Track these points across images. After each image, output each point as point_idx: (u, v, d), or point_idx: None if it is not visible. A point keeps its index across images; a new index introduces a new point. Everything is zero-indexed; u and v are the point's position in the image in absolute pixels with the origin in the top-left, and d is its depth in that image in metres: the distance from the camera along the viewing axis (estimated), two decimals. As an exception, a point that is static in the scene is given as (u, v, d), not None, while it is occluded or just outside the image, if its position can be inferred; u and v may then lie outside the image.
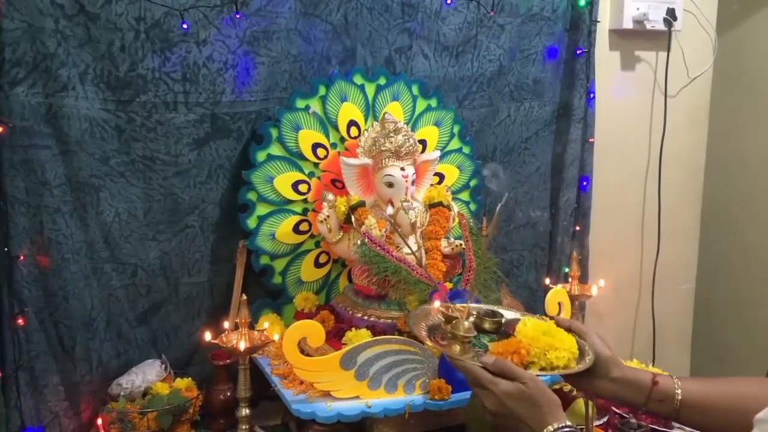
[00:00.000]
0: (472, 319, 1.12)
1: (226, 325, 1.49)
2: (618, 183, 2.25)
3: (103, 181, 1.53)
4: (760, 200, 2.41)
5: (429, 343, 1.10)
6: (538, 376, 1.00)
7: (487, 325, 1.13)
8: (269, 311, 1.68)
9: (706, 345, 2.50)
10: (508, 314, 1.19)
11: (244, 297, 1.42)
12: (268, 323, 1.53)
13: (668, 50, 2.18)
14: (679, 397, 1.04)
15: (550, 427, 0.93)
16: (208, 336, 1.42)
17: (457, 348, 1.05)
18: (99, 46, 1.47)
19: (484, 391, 0.97)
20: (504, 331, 1.14)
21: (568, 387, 1.57)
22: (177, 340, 1.67)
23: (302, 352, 1.38)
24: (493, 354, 1.02)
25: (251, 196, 1.62)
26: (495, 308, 1.20)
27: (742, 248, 2.47)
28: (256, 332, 1.45)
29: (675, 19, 2.13)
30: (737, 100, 2.38)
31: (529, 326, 1.07)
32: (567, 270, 2.10)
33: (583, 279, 1.95)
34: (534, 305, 2.10)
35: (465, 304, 1.13)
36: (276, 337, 1.44)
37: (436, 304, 1.17)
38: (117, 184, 1.55)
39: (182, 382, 1.57)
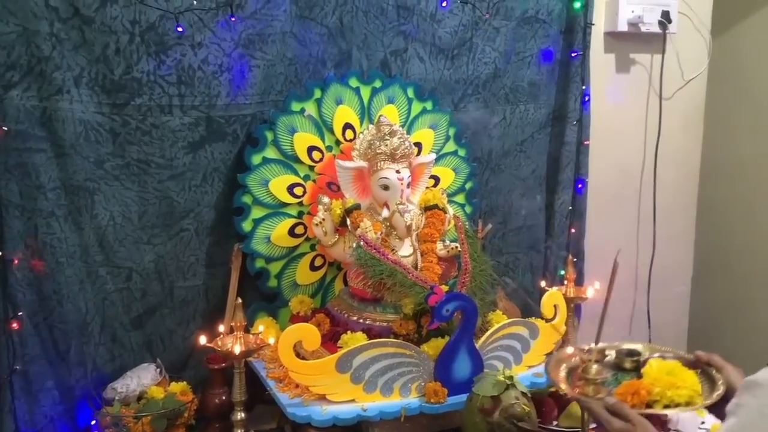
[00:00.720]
0: (609, 358, 1.18)
1: (221, 328, 1.48)
2: (613, 185, 2.25)
3: (97, 184, 1.53)
4: (754, 202, 2.42)
5: (563, 386, 1.14)
6: (658, 413, 1.10)
7: (627, 365, 1.17)
8: (264, 314, 1.68)
9: (701, 347, 2.50)
10: (645, 351, 1.22)
11: (240, 300, 1.42)
12: (263, 327, 1.52)
13: (663, 53, 2.18)
14: None
15: None
16: (203, 340, 1.42)
17: (590, 389, 1.11)
18: (94, 50, 1.46)
19: (601, 428, 1.08)
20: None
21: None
22: (172, 344, 1.67)
23: (297, 355, 1.38)
24: (617, 394, 1.09)
25: (246, 199, 1.62)
26: (633, 346, 1.22)
27: (737, 250, 2.47)
28: (251, 336, 1.45)
29: (670, 21, 2.13)
30: (732, 102, 2.39)
31: (654, 367, 1.12)
32: (562, 272, 2.10)
33: (579, 281, 1.95)
34: (530, 308, 2.10)
35: (601, 346, 1.18)
36: (271, 341, 1.43)
37: (569, 350, 1.22)
38: (112, 188, 1.54)
39: (177, 386, 1.56)
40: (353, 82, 1.70)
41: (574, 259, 2.07)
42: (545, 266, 2.12)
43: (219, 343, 1.42)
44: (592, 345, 1.18)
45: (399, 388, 1.39)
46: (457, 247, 1.59)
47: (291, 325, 1.56)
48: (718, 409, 1.09)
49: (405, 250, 1.58)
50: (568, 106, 2.02)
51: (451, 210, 1.66)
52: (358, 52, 1.75)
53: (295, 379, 1.37)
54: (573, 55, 2.00)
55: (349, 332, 1.45)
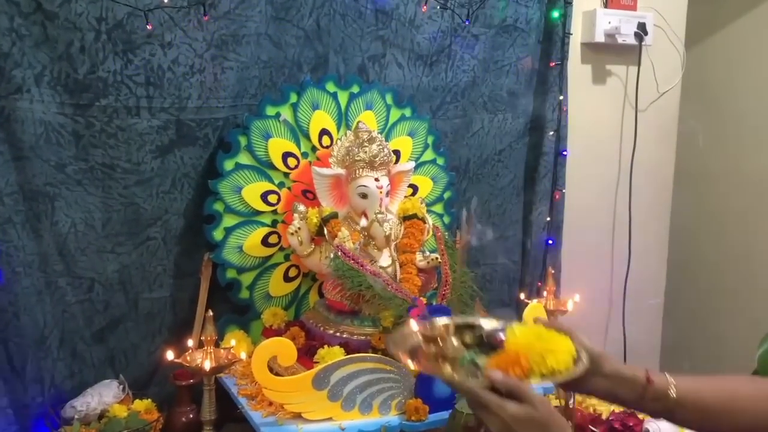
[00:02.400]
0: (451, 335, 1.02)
1: (190, 343, 1.40)
2: (589, 197, 2.23)
3: (58, 189, 1.44)
4: (726, 215, 2.44)
5: (413, 366, 1.01)
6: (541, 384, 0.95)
7: (468, 339, 1.00)
8: (235, 328, 1.61)
9: (674, 361, 2.49)
10: (485, 324, 1.04)
11: (210, 313, 1.34)
12: (234, 341, 1.45)
13: (639, 64, 2.18)
14: (673, 396, 0.98)
15: None
16: (170, 355, 1.34)
17: (448, 368, 0.94)
18: (57, 47, 1.39)
19: (490, 415, 0.86)
20: (487, 343, 1.01)
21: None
22: (136, 359, 1.58)
23: (271, 371, 1.31)
24: (493, 368, 0.90)
25: (218, 206, 1.55)
26: (469, 320, 1.06)
27: (709, 262, 2.49)
28: (222, 350, 1.37)
29: (646, 33, 2.13)
30: (704, 114, 2.41)
31: (518, 334, 0.97)
32: (539, 284, 2.07)
33: (556, 293, 1.92)
34: (506, 320, 2.06)
35: (444, 320, 1.02)
36: (243, 356, 1.36)
37: (413, 325, 1.04)
38: (74, 193, 1.46)
39: (141, 404, 1.48)
40: (330, 87, 1.65)
41: (552, 271, 2.05)
42: (522, 278, 2.09)
43: (188, 358, 1.34)
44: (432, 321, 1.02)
45: (378, 406, 1.32)
46: (437, 258, 1.54)
47: (265, 340, 1.49)
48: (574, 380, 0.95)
49: (384, 260, 1.53)
50: (546, 116, 2.00)
51: (430, 220, 1.61)
52: (335, 56, 1.69)
53: (268, 396, 1.30)
54: (551, 65, 1.98)
55: (325, 346, 1.39)
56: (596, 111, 2.20)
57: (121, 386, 1.52)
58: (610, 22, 2.08)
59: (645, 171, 2.29)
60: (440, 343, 0.98)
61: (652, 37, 2.16)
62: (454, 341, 0.98)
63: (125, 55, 1.44)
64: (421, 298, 1.40)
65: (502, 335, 1.00)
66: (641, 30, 2.12)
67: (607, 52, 2.17)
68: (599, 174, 2.25)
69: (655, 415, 1.04)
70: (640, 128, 2.24)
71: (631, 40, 2.12)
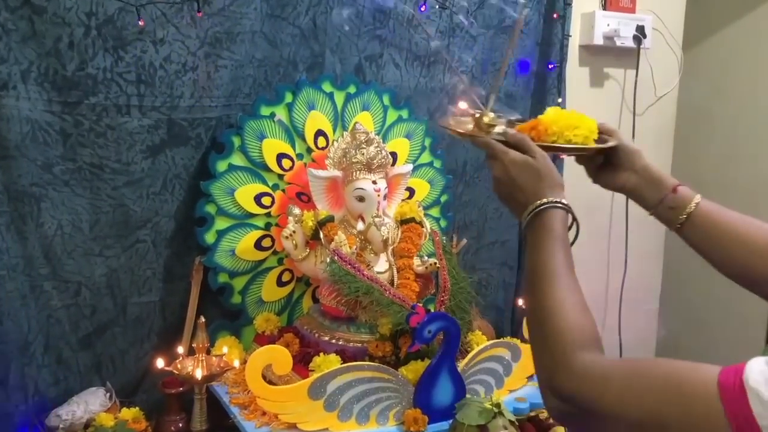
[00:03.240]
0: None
1: (181, 350, 1.36)
2: (585, 202, 2.19)
3: (45, 190, 1.39)
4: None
5: (451, 127, 1.05)
6: (554, 150, 1.00)
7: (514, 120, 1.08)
8: (227, 334, 1.56)
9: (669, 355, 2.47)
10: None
11: (202, 319, 1.31)
12: (226, 348, 1.41)
13: (637, 68, 2.16)
14: (691, 209, 1.02)
15: (545, 199, 0.89)
16: (160, 363, 1.29)
17: (476, 129, 1.02)
18: (44, 42, 1.33)
19: (495, 161, 0.95)
20: None
21: (544, 414, 1.49)
22: (123, 366, 1.53)
23: (264, 379, 1.26)
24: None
25: (210, 208, 1.50)
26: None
27: (704, 268, 2.46)
28: (214, 358, 1.33)
29: (644, 36, 2.11)
30: (701, 119, 2.39)
31: (551, 111, 1.04)
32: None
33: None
34: (502, 326, 2.03)
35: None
36: (237, 364, 1.32)
37: (462, 104, 1.11)
38: (61, 194, 1.41)
39: (129, 413, 1.42)
40: (327, 87, 1.61)
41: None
42: (518, 283, 2.06)
43: (178, 366, 1.30)
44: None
45: (376, 416, 1.29)
46: (435, 263, 1.50)
47: (260, 348, 1.46)
48: (601, 169, 1.07)
49: (380, 265, 1.49)
50: (544, 119, 1.97)
51: (428, 224, 1.57)
52: (331, 56, 1.65)
53: (262, 406, 1.26)
54: (550, 67, 1.96)
55: (321, 354, 1.35)
56: (594, 114, 2.16)
57: (108, 394, 1.47)
58: (608, 25, 2.06)
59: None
60: (480, 115, 1.03)
61: (650, 40, 2.14)
62: (492, 114, 1.03)
63: (116, 52, 1.39)
64: (420, 304, 1.36)
65: None
66: (640, 33, 2.10)
67: (604, 55, 2.14)
68: (596, 178, 2.22)
69: (665, 223, 1.07)
70: (637, 132, 2.21)
71: (630, 43, 2.10)
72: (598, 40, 2.06)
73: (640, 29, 2.10)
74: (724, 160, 2.41)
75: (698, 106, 2.39)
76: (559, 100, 1.97)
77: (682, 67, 2.29)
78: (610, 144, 1.04)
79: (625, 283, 2.26)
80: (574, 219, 0.93)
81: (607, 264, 2.28)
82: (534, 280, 0.86)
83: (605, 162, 1.07)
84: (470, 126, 1.05)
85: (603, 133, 1.06)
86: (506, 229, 2.01)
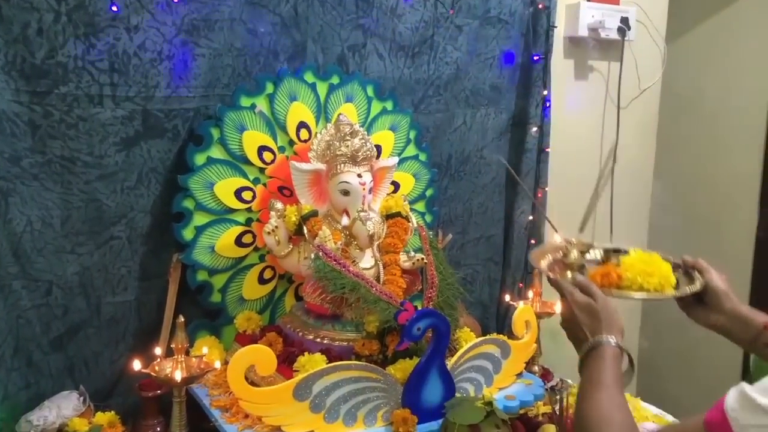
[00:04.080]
0: (595, 255, 1.20)
1: (158, 351, 1.30)
2: (569, 196, 2.17)
3: (12, 184, 1.32)
4: (705, 215, 2.42)
5: (543, 267, 1.16)
6: (626, 296, 1.09)
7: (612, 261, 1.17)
8: (206, 333, 1.50)
9: (651, 363, 2.47)
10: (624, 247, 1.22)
11: (182, 319, 1.25)
12: (206, 348, 1.35)
13: (621, 60, 2.14)
14: None
15: (600, 337, 0.99)
16: (137, 365, 1.23)
17: (568, 274, 1.12)
18: (12, 29, 1.27)
19: (563, 300, 1.08)
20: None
21: (533, 412, 1.46)
22: (98, 369, 1.47)
23: (247, 380, 1.21)
24: (588, 276, 1.10)
25: (188, 203, 1.45)
26: (623, 247, 1.22)
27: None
28: (193, 359, 1.27)
29: (629, 28, 2.09)
30: (684, 112, 2.38)
31: (632, 255, 1.13)
32: (520, 285, 2.02)
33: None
34: (487, 322, 2.00)
35: (589, 242, 1.20)
36: (218, 365, 1.26)
37: (557, 238, 1.23)
38: (30, 188, 1.34)
39: (104, 417, 1.36)
40: (309, 77, 1.55)
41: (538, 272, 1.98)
42: (503, 279, 2.03)
43: (156, 368, 1.24)
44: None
45: (363, 417, 1.24)
46: (423, 258, 1.46)
47: (238, 346, 1.41)
48: (691, 306, 1.14)
49: (366, 261, 1.44)
50: (529, 112, 1.94)
51: (414, 218, 1.53)
52: (313, 45, 1.60)
53: (245, 408, 1.20)
54: (535, 58, 1.92)
55: (306, 354, 1.30)
56: (577, 108, 2.15)
57: (82, 398, 1.41)
58: (593, 16, 2.04)
59: (625, 170, 2.24)
60: (565, 253, 1.16)
61: (634, 33, 2.12)
62: (575, 253, 1.15)
63: (87, 39, 1.33)
64: (410, 301, 1.31)
65: None
66: (624, 24, 2.08)
67: (589, 48, 2.12)
68: (580, 172, 2.19)
69: (764, 359, 1.11)
70: (621, 126, 2.19)
71: (614, 35, 2.08)
72: (583, 32, 2.04)
73: (625, 21, 2.08)
74: (705, 153, 2.41)
75: (681, 98, 2.38)
76: (545, 92, 1.94)
77: (665, 60, 2.27)
78: (683, 293, 1.11)
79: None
80: (630, 360, 1.01)
81: (591, 258, 2.26)
82: (584, 415, 0.94)
83: (696, 299, 1.14)
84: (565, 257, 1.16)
85: (696, 269, 1.15)
86: (491, 224, 1.97)
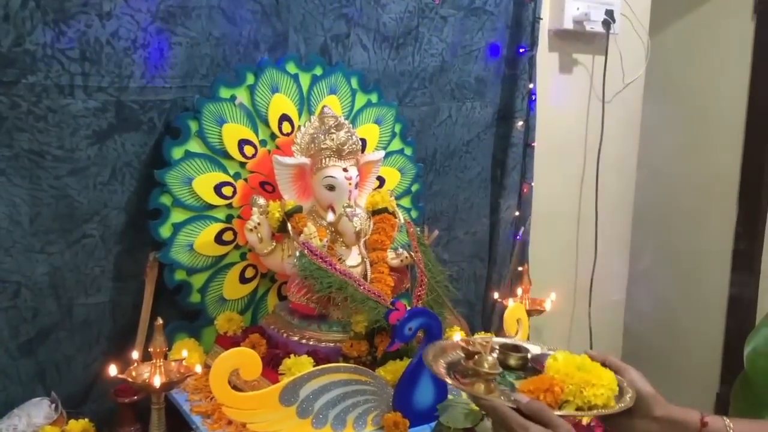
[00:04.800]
0: (495, 354, 1.00)
1: (135, 355, 1.23)
2: (554, 191, 2.15)
3: (-23, 180, 1.24)
4: (688, 210, 2.41)
5: (449, 381, 0.96)
6: (573, 416, 0.91)
7: (512, 361, 1.02)
8: (185, 336, 1.44)
9: (636, 357, 2.45)
10: (533, 348, 1.07)
11: (160, 321, 1.18)
12: (186, 351, 1.29)
13: (606, 53, 2.11)
14: None
15: None
16: (113, 370, 1.17)
17: (481, 386, 0.93)
18: (-25, 14, 1.19)
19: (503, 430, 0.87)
20: (531, 367, 1.02)
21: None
22: (70, 374, 1.40)
23: (230, 384, 1.15)
24: (523, 392, 0.91)
25: (165, 200, 1.38)
26: (517, 342, 1.09)
27: (670, 257, 2.46)
28: (172, 363, 1.21)
29: (614, 21, 2.06)
30: (666, 107, 2.37)
31: (560, 361, 0.95)
32: (505, 282, 1.98)
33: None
34: (473, 320, 1.96)
35: (487, 338, 1.04)
36: (199, 369, 1.20)
37: (456, 337, 1.09)
38: (-5, 184, 1.26)
39: (77, 425, 1.29)
40: (291, 68, 1.49)
41: (519, 268, 1.95)
42: (489, 276, 1.99)
43: (133, 373, 1.17)
44: (473, 337, 1.09)
45: (353, 421, 1.19)
46: (411, 255, 1.41)
47: (218, 348, 1.35)
48: (618, 419, 0.96)
49: (352, 259, 1.39)
50: (515, 106, 1.90)
51: (401, 214, 1.48)
52: (295, 35, 1.54)
53: (228, 414, 1.14)
54: (520, 51, 1.89)
55: (291, 356, 1.24)
56: (562, 101, 2.12)
57: (54, 405, 1.33)
58: (578, 9, 2.00)
59: (609, 165, 2.23)
60: (478, 358, 0.95)
61: (618, 26, 2.10)
62: (491, 359, 0.95)
63: (57, 26, 1.26)
64: (401, 300, 1.26)
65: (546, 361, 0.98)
66: (609, 17, 2.05)
67: (574, 41, 2.08)
68: (564, 168, 2.17)
69: None
70: (605, 120, 2.17)
71: (599, 28, 2.04)
72: (568, 24, 2.01)
73: (610, 13, 2.05)
74: (686, 149, 2.40)
75: (664, 93, 2.37)
76: (531, 86, 1.90)
77: (649, 53, 2.25)
78: (628, 404, 0.92)
79: (595, 272, 2.21)
80: None
81: (575, 253, 2.24)
82: None
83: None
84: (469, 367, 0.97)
85: (610, 368, 0.97)
86: (477, 220, 1.93)
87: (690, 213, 2.41)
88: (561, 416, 0.86)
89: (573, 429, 0.84)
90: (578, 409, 0.90)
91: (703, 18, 2.35)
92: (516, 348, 1.04)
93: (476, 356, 0.95)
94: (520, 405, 0.86)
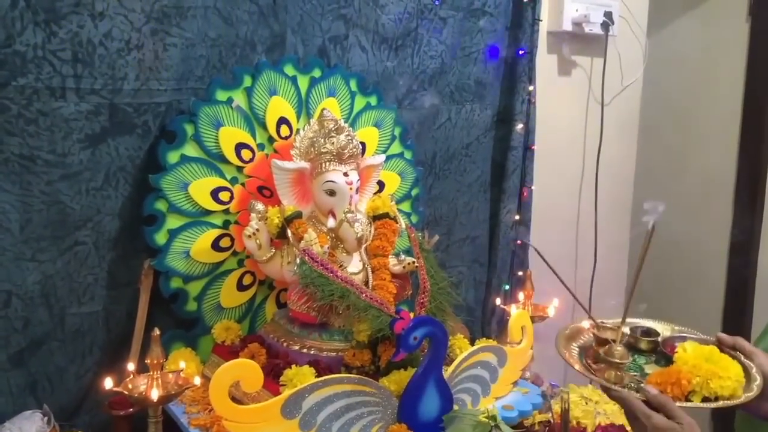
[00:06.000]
0: (625, 338, 1.07)
1: (131, 366, 1.19)
2: (554, 194, 2.13)
3: (-34, 185, 1.20)
4: (687, 212, 2.39)
5: (579, 368, 1.03)
6: (699, 407, 0.96)
7: (643, 345, 1.09)
8: (181, 345, 1.40)
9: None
10: (663, 330, 1.14)
11: (157, 331, 1.14)
12: (183, 362, 1.25)
13: (605, 55, 2.09)
14: None
15: None
16: (109, 383, 1.12)
17: (612, 374, 0.99)
18: (-37, 14, 1.15)
19: (637, 422, 0.95)
20: (660, 351, 1.09)
21: (528, 422, 1.39)
22: (62, 385, 1.36)
23: (229, 396, 1.11)
24: (651, 383, 0.98)
25: (160, 205, 1.34)
26: (649, 325, 1.15)
27: (669, 260, 2.44)
28: (170, 375, 1.17)
29: (612, 22, 2.04)
30: (665, 108, 2.35)
31: (689, 352, 1.01)
32: (507, 287, 1.95)
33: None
34: (473, 326, 1.93)
35: (618, 323, 1.07)
36: (197, 381, 1.16)
37: (585, 324, 1.13)
38: (-15, 190, 1.22)
39: (70, 438, 1.25)
40: (289, 70, 1.46)
41: (519, 273, 1.93)
42: (488, 281, 1.96)
43: (129, 386, 1.13)
44: (604, 321, 1.11)
45: (357, 434, 1.15)
46: (413, 262, 1.38)
47: (219, 359, 1.31)
48: (752, 404, 1.00)
49: (354, 266, 1.35)
50: (515, 108, 1.88)
51: (402, 220, 1.45)
52: (293, 36, 1.51)
53: (228, 428, 1.10)
54: (520, 53, 1.86)
55: (293, 366, 1.20)
56: (561, 104, 2.10)
57: (46, 418, 1.29)
58: (577, 10, 1.98)
59: (607, 167, 2.21)
60: (608, 347, 1.02)
61: (617, 28, 2.08)
62: (620, 348, 1.00)
63: (48, 27, 1.22)
64: (405, 309, 1.23)
65: (677, 345, 1.05)
66: (608, 19, 2.03)
67: (572, 43, 2.07)
68: (563, 170, 2.15)
69: None
70: (604, 122, 2.15)
71: (598, 30, 2.03)
72: (567, 26, 1.99)
73: (608, 15, 2.03)
74: (685, 150, 2.38)
75: (662, 95, 2.35)
76: (530, 88, 1.88)
77: (647, 55, 2.24)
78: (754, 392, 0.98)
79: (595, 277, 2.19)
80: None
81: (575, 258, 2.22)
82: None
83: None
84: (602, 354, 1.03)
85: (739, 350, 1.05)
86: (477, 225, 1.91)
87: (688, 214, 2.39)
88: (686, 408, 0.93)
89: (695, 422, 0.90)
90: (704, 399, 0.96)
91: (699, 20, 2.34)
92: (648, 332, 1.10)
93: (607, 345, 1.01)
94: (648, 397, 0.94)
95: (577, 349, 1.09)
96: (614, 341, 1.01)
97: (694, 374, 0.97)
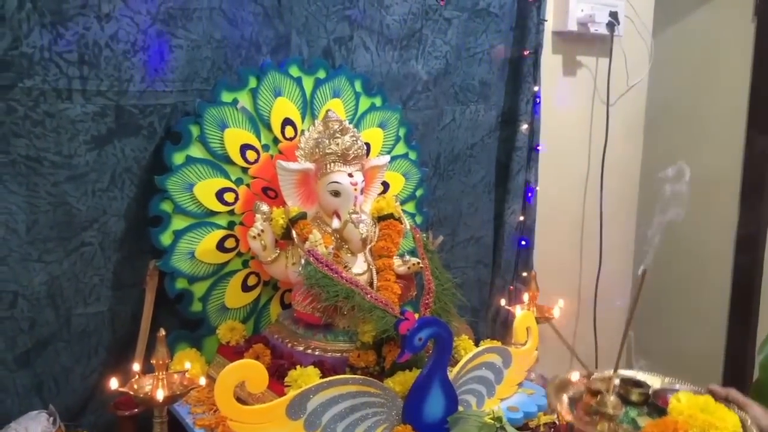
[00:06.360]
0: (615, 390, 1.02)
1: (136, 367, 1.20)
2: (558, 195, 2.12)
3: (-27, 187, 1.21)
4: (691, 211, 2.38)
5: (570, 418, 1.00)
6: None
7: (634, 397, 1.04)
8: (186, 345, 1.40)
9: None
10: (654, 382, 1.10)
11: (162, 332, 1.15)
12: (189, 362, 1.25)
13: (610, 55, 2.09)
14: None
15: None
16: (114, 383, 1.13)
17: (605, 426, 0.97)
18: (-30, 16, 1.15)
19: None
20: (652, 403, 1.05)
21: (533, 423, 1.39)
22: (68, 386, 1.36)
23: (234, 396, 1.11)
24: None
25: (166, 206, 1.34)
26: (636, 376, 1.10)
27: (675, 263, 2.43)
28: (175, 375, 1.17)
29: (618, 22, 2.04)
30: (670, 108, 2.34)
31: (684, 402, 0.99)
32: (510, 288, 1.95)
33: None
34: (477, 327, 1.93)
35: (608, 374, 1.02)
36: (202, 381, 1.17)
37: (575, 376, 1.08)
38: (-8, 191, 1.23)
39: (76, 438, 1.26)
40: (294, 71, 1.46)
41: (524, 274, 1.93)
42: (492, 282, 1.96)
43: (135, 386, 1.14)
44: (596, 372, 1.06)
45: (361, 435, 1.15)
46: (418, 263, 1.38)
47: (223, 360, 1.32)
48: None
49: (358, 266, 1.36)
50: (519, 109, 1.88)
51: (407, 221, 1.45)
52: (298, 37, 1.51)
53: (234, 428, 1.10)
54: (525, 53, 1.86)
55: (298, 367, 1.21)
56: (566, 104, 2.09)
57: (52, 418, 1.29)
58: (582, 10, 1.98)
59: (613, 168, 2.21)
60: (601, 398, 0.99)
61: (622, 28, 2.07)
62: (614, 399, 0.98)
63: (54, 28, 1.22)
64: (410, 310, 1.23)
65: (669, 396, 1.02)
66: (614, 18, 2.03)
67: (577, 43, 2.06)
68: (568, 171, 2.15)
69: None
70: (609, 123, 2.14)
71: (603, 30, 2.02)
72: (572, 26, 1.98)
73: (614, 15, 2.03)
74: (691, 150, 2.37)
75: (667, 95, 2.34)
76: (536, 88, 1.87)
77: (652, 55, 2.23)
78: None
79: (600, 277, 2.19)
80: None
81: (579, 258, 2.21)
82: None
83: None
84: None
85: (732, 402, 1.02)
86: (481, 225, 1.91)
87: (693, 214, 2.38)
88: None
89: None
90: None
91: (705, 20, 2.33)
92: (637, 383, 1.05)
93: (599, 396, 0.98)
94: None
95: (567, 400, 1.05)
96: (606, 392, 0.98)
97: (690, 425, 0.95)
